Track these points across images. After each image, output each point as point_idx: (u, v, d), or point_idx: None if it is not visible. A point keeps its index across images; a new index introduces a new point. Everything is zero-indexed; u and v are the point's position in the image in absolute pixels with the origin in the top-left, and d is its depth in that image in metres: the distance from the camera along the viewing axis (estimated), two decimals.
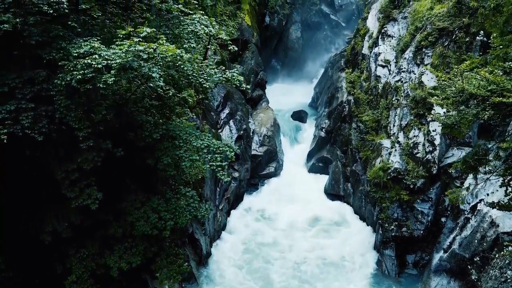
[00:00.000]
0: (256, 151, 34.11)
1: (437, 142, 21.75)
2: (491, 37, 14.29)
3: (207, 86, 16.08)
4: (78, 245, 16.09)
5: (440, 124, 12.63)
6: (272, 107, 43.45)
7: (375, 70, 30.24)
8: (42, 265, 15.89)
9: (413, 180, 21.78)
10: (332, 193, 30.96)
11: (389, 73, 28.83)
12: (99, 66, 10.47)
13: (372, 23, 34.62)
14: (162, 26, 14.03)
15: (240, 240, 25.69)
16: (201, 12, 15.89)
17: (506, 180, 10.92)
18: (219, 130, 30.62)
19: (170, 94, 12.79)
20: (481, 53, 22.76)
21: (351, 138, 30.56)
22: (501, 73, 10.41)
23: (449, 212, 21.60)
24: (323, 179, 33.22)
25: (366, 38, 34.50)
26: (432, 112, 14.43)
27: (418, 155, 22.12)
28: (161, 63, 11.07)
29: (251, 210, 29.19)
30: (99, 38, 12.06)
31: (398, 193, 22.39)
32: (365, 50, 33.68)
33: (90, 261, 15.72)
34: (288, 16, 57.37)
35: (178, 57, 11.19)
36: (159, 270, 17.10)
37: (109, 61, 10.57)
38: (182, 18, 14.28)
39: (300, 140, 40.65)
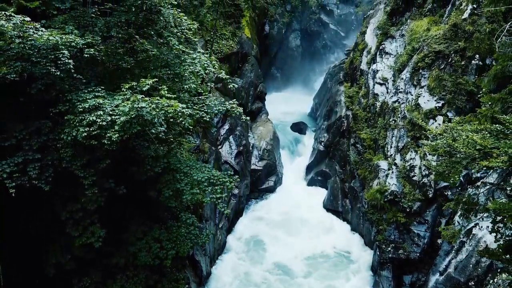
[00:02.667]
0: (256, 165, 34.48)
1: (433, 165, 22.09)
2: (480, 91, 14.66)
3: (208, 119, 16.47)
4: (81, 274, 16.50)
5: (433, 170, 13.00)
6: (272, 116, 43.79)
7: (373, 88, 30.59)
8: None
9: (409, 204, 22.15)
10: (330, 209, 31.35)
11: (387, 92, 29.19)
12: (104, 123, 10.86)
13: (371, 38, 34.97)
14: (163, 67, 14.40)
15: (239, 258, 26.09)
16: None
17: (496, 227, 11.31)
18: (219, 147, 30.99)
19: (172, 139, 13.13)
20: (476, 76, 23.16)
21: (349, 154, 30.92)
22: (488, 135, 10.79)
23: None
24: (322, 193, 33.62)
25: (365, 53, 34.85)
26: (425, 145, 14.67)
27: (414, 178, 22.49)
28: (162, 118, 11.47)
29: (243, 239, 28.15)
30: (103, 86, 12.47)
31: (395, 215, 22.78)
32: (363, 66, 34.04)
33: None
34: (287, 25, 57.76)
35: (180, 113, 11.58)
36: None
37: (113, 116, 10.95)
38: (183, 58, 14.66)
39: (300, 152, 41.03)
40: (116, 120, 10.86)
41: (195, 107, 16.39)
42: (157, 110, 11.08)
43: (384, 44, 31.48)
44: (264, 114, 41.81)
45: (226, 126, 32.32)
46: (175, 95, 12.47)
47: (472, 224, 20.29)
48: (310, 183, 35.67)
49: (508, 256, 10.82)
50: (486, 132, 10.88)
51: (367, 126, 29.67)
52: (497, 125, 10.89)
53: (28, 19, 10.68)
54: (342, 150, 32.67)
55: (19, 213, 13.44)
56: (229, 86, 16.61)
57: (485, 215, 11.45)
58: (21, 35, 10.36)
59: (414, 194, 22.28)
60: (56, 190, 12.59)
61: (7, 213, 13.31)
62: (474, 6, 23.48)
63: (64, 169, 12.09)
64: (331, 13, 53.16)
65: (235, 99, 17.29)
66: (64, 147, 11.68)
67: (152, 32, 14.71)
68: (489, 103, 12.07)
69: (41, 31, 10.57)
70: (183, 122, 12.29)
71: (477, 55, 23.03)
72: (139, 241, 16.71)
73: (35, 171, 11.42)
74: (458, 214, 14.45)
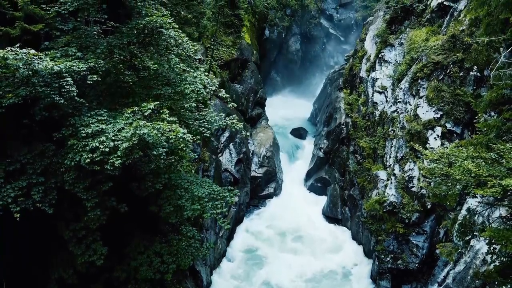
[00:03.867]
0: (256, 172, 34.66)
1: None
2: (476, 117, 14.83)
3: (208, 135, 16.67)
4: None
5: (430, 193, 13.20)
6: (272, 121, 43.97)
7: (372, 96, 30.78)
8: None
9: (408, 215, 22.35)
10: (330, 216, 31.53)
11: (386, 100, 29.39)
12: (107, 149, 11.05)
13: (370, 45, 35.16)
14: (164, 85, 14.59)
15: (239, 268, 26.29)
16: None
17: (491, 248, 11.49)
18: (219, 155, 31.15)
19: (173, 160, 13.32)
20: (474, 88, 23.34)
21: (349, 161, 31.12)
22: (483, 163, 10.98)
23: (443, 244, 22.15)
24: (322, 200, 33.81)
25: (364, 60, 35.04)
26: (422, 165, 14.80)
27: (413, 189, 22.69)
28: (164, 144, 11.65)
29: (241, 254, 27.65)
30: (105, 103, 12.65)
31: (393, 225, 22.97)
32: (362, 73, 34.23)
33: None
34: (287, 29, 57.96)
35: (181, 139, 11.76)
36: None
37: (116, 142, 11.15)
38: (184, 77, 14.84)
39: (300, 157, 41.21)
40: (119, 146, 11.06)
41: (195, 123, 16.60)
42: (159, 135, 11.27)
43: (383, 52, 31.67)
44: (264, 119, 42.01)
45: (226, 134, 32.47)
46: (176, 118, 12.66)
47: (470, 236, 20.54)
48: (310, 189, 35.85)
49: (503, 278, 11.00)
50: (481, 160, 11.08)
51: (366, 135, 29.85)
52: (491, 153, 11.09)
53: (33, 51, 10.85)
54: (342, 158, 32.86)
55: (21, 231, 13.62)
56: (229, 106, 16.79)
57: (481, 238, 11.64)
58: (27, 66, 10.53)
59: (413, 205, 22.48)
60: (59, 211, 12.78)
61: (9, 231, 13.50)
62: (472, 17, 23.66)
63: (67, 191, 12.27)
64: (330, 17, 53.36)
65: (235, 115, 17.45)
66: (67, 171, 11.87)
67: (154, 50, 14.89)
68: (485, 129, 12.28)
69: (46, 61, 10.74)
70: (185, 149, 12.49)
71: (475, 67, 23.18)
72: (141, 255, 16.89)
73: (39, 194, 11.62)
74: (455, 235, 14.62)
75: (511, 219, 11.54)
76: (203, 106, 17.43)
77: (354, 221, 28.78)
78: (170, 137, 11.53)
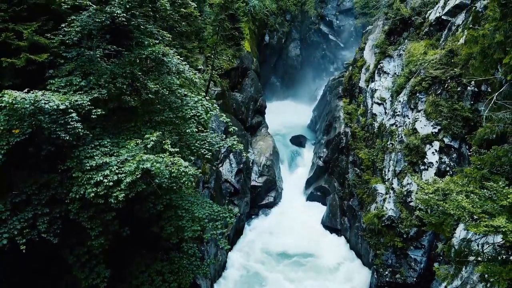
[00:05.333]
0: (256, 181, 34.91)
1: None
2: (470, 150, 15.10)
3: (209, 157, 16.94)
4: None
5: (425, 221, 13.48)
6: (272, 127, 44.16)
7: (371, 107, 31.04)
8: None
9: (406, 229, 22.64)
10: (329, 226, 31.81)
11: (385, 112, 29.64)
12: (110, 183, 11.33)
13: (369, 55, 35.40)
14: (166, 110, 14.87)
15: (239, 281, 26.57)
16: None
17: (486, 276, 11.76)
18: (219, 165, 31.39)
19: (175, 186, 13.60)
20: (472, 102, 23.60)
21: (348, 172, 31.39)
22: (477, 199, 11.25)
23: (441, 258, 22.44)
24: (321, 209, 34.11)
25: (363, 70, 35.29)
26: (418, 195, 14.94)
27: (411, 203, 22.95)
28: (167, 176, 11.92)
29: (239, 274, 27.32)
30: (109, 133, 12.97)
31: (392, 239, 23.25)
32: (362, 83, 34.49)
33: None
34: (287, 34, 58.23)
35: (183, 173, 12.03)
36: None
37: (120, 175, 11.43)
38: (185, 102, 15.12)
39: (299, 165, 41.49)
40: (122, 179, 11.34)
41: (197, 144, 16.86)
42: (162, 168, 11.55)
43: (382, 63, 31.93)
44: (264, 127, 42.24)
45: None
46: (178, 148, 12.93)
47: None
48: (309, 198, 36.17)
49: None
50: (475, 197, 11.36)
51: (365, 146, 30.11)
52: (485, 191, 11.37)
53: (40, 93, 11.10)
54: (341, 167, 33.13)
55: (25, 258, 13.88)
56: (230, 130, 17.14)
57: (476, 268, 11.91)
58: (34, 106, 10.80)
59: (411, 219, 22.76)
60: (63, 238, 13.05)
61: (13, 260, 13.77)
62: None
63: (71, 220, 12.55)
64: (330, 23, 53.60)
65: (235, 136, 17.74)
66: (72, 202, 12.15)
67: (156, 75, 15.17)
68: (479, 163, 12.55)
69: (53, 101, 11.00)
70: (186, 182, 12.77)
71: (473, 82, 23.43)
72: (142, 274, 17.16)
73: (44, 225, 11.90)
74: (451, 263, 14.89)
75: (505, 247, 11.80)
76: (203, 129, 17.70)
77: (353, 231, 29.05)
78: (173, 171, 11.80)
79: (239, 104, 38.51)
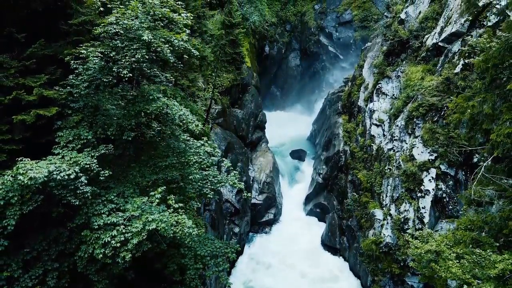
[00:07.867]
0: (256, 199, 35.42)
1: (426, 220, 23.10)
2: (461, 209, 15.56)
3: (211, 196, 17.47)
4: None
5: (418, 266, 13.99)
6: (272, 140, 44.60)
7: (370, 128, 31.52)
8: None
9: (403, 257, 23.16)
10: (328, 245, 32.34)
11: (383, 134, 30.12)
12: (118, 245, 11.84)
13: (368, 74, 35.87)
14: (170, 156, 15.39)
15: None
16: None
17: None
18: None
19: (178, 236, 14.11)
20: (468, 130, 24.04)
21: (347, 191, 31.91)
22: (467, 263, 11.78)
23: None
24: (320, 226, 34.68)
25: (362, 89, 35.77)
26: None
27: (408, 231, 23.47)
28: (171, 235, 12.45)
29: None
30: (115, 184, 13.48)
31: (389, 265, 23.79)
32: (361, 102, 34.97)
33: None
34: (287, 44, 58.73)
35: (187, 234, 12.54)
36: None
37: (126, 234, 11.95)
38: (188, 147, 15.65)
39: (299, 180, 41.98)
40: (129, 239, 11.85)
41: (199, 183, 17.38)
42: (166, 228, 12.08)
43: (380, 83, 32.37)
44: (264, 142, 42.71)
45: (228, 163, 33.14)
46: (182, 201, 13.45)
47: None
48: (309, 214, 36.75)
49: None
50: (465, 261, 11.87)
51: (364, 167, 30.61)
52: (474, 256, 11.88)
53: (52, 166, 11.55)
54: (340, 186, 33.64)
55: None
56: (231, 174, 17.72)
57: None
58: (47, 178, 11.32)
59: (408, 247, 23.25)
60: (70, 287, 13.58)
61: None
62: (466, 61, 24.43)
63: (79, 273, 13.07)
64: (330, 35, 54.01)
65: (236, 172, 18.26)
66: (80, 259, 12.65)
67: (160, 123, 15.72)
68: (469, 225, 13.04)
69: (64, 170, 11.48)
70: (188, 242, 13.32)
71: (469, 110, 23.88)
72: None
73: (53, 280, 12.40)
74: None
75: None
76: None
77: (352, 252, 29.59)
78: (177, 231, 12.33)
79: (240, 121, 38.99)
